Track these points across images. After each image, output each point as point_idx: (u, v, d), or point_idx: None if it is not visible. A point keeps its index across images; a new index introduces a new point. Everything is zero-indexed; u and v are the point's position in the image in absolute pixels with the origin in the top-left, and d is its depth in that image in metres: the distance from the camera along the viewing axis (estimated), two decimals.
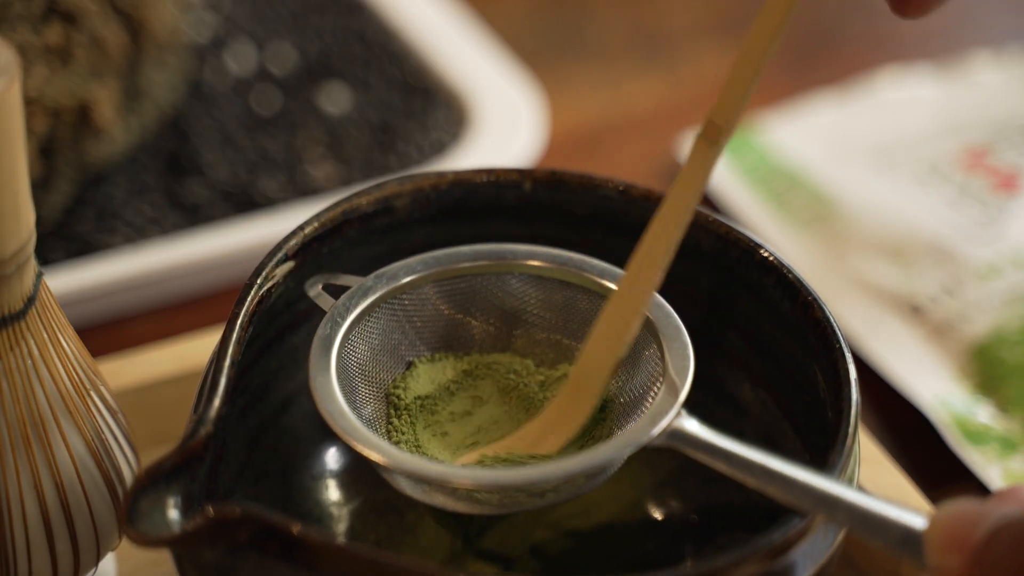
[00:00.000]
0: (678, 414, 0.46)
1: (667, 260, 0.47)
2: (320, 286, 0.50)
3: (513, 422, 0.50)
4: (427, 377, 0.51)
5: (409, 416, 0.50)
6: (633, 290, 0.48)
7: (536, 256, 0.51)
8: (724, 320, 0.53)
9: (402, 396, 0.50)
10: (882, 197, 0.75)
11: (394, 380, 0.51)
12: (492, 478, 0.46)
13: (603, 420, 0.49)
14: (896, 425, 0.65)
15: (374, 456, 0.45)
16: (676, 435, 0.46)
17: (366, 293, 0.50)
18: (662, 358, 0.48)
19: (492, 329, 0.52)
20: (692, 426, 0.46)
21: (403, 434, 0.49)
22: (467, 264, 0.51)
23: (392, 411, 0.50)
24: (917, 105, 0.82)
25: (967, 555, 0.39)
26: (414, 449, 0.49)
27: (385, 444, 0.46)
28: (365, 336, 0.50)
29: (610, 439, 0.47)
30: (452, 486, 0.46)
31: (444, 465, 0.47)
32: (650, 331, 0.49)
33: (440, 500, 0.47)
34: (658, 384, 0.47)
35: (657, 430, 0.45)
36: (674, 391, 0.46)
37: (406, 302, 0.51)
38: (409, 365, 0.51)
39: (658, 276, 0.48)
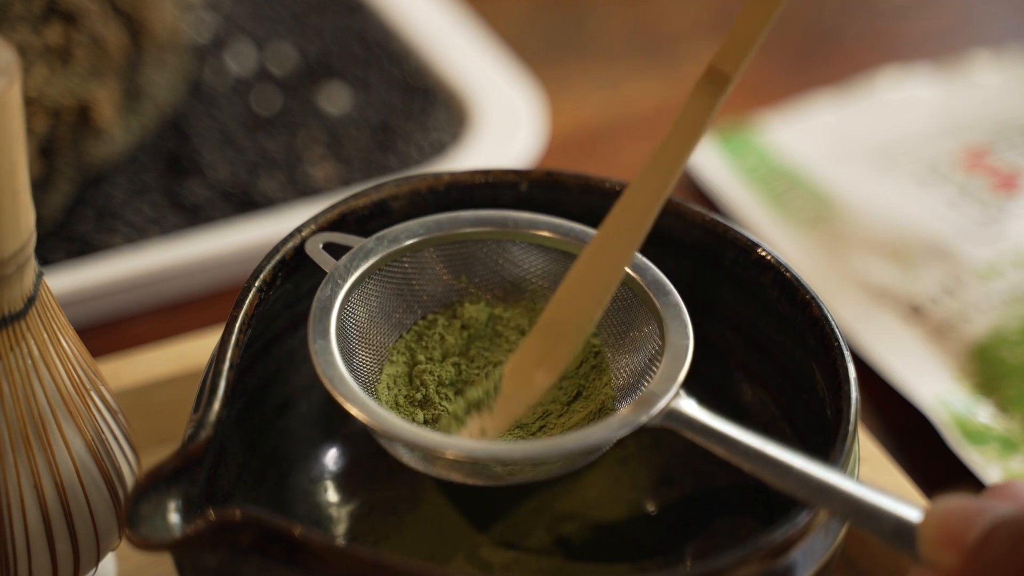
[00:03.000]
0: (676, 394, 0.46)
1: (659, 205, 0.46)
2: (320, 245, 0.50)
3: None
4: (427, 341, 0.51)
5: (409, 382, 0.50)
6: (618, 236, 0.47)
7: (538, 225, 0.51)
8: (723, 320, 0.53)
9: (401, 361, 0.50)
10: (882, 197, 0.75)
11: (393, 344, 0.50)
12: (490, 451, 0.45)
13: (594, 365, 0.49)
14: (896, 425, 0.65)
15: (373, 423, 0.45)
16: (674, 416, 0.45)
17: (367, 255, 0.50)
18: (662, 336, 0.48)
19: (491, 296, 0.52)
20: (690, 407, 0.46)
21: (405, 399, 0.49)
22: (469, 229, 0.51)
23: (390, 376, 0.50)
24: (917, 105, 0.82)
25: (962, 554, 0.39)
26: (418, 414, 0.49)
27: (383, 411, 0.46)
28: (365, 299, 0.50)
29: (608, 418, 0.47)
30: (448, 457, 0.45)
31: (439, 435, 0.46)
32: (650, 309, 0.49)
33: (435, 469, 0.47)
34: (657, 363, 0.47)
35: (655, 410, 0.45)
36: (673, 371, 0.46)
37: (406, 265, 0.51)
38: (408, 329, 0.51)
39: (647, 223, 0.47)
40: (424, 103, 0.79)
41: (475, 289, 0.52)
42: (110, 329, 0.68)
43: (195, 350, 0.60)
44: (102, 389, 0.49)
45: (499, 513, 0.53)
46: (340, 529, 0.53)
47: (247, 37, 0.84)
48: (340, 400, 0.45)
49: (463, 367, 0.51)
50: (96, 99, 0.70)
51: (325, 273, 0.49)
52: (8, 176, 0.42)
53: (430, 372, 0.50)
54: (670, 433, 0.46)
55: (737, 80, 0.45)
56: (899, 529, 0.41)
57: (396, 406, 0.49)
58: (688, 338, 0.47)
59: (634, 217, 0.47)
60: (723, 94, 0.45)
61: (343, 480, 0.54)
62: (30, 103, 0.67)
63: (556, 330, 0.48)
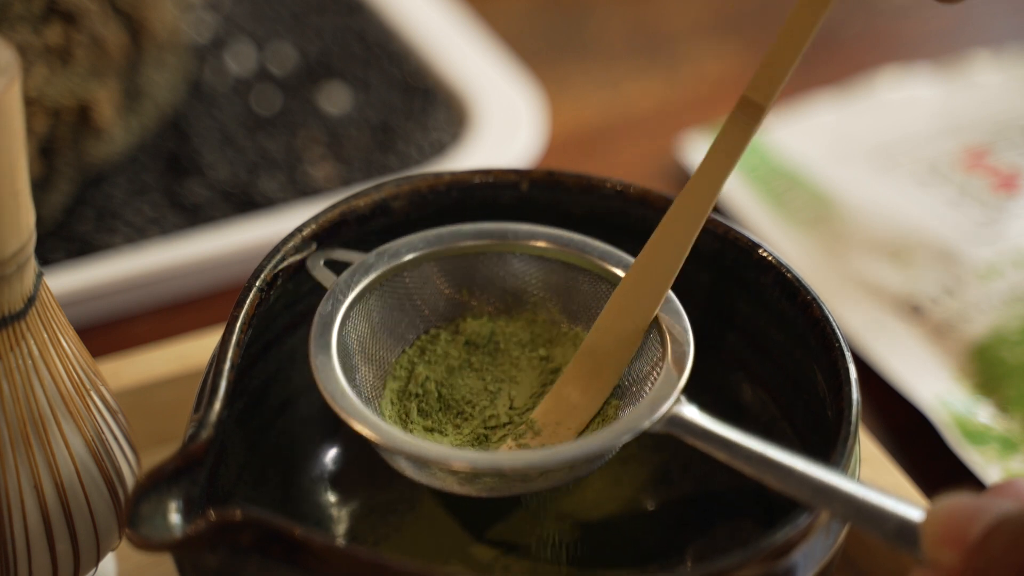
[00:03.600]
0: (677, 400, 0.46)
1: (695, 232, 0.47)
2: (322, 262, 0.50)
3: (517, 398, 0.50)
4: (429, 356, 0.51)
5: (412, 397, 0.50)
6: (657, 261, 0.48)
7: (538, 236, 0.51)
8: (723, 320, 0.53)
9: (404, 376, 0.50)
10: (882, 197, 0.75)
11: (396, 359, 0.50)
12: (491, 462, 0.45)
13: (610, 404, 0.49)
14: (896, 425, 0.65)
15: (375, 437, 0.45)
16: (675, 422, 0.46)
17: (368, 270, 0.50)
18: (662, 343, 0.48)
19: (493, 309, 0.52)
20: (691, 413, 0.46)
21: (408, 414, 0.49)
22: (469, 243, 0.51)
23: (394, 391, 0.50)
24: (917, 105, 0.82)
25: (963, 551, 0.39)
26: (421, 431, 0.49)
27: (385, 425, 0.46)
28: (366, 314, 0.50)
29: (609, 425, 0.47)
30: (451, 469, 0.45)
31: (443, 447, 0.47)
32: None
33: (440, 482, 0.47)
34: (658, 370, 0.47)
35: (656, 416, 0.45)
36: (674, 377, 0.46)
37: (407, 280, 0.51)
38: (411, 343, 0.51)
39: (685, 249, 0.47)
40: (424, 103, 0.79)
41: (477, 302, 0.52)
42: (110, 329, 0.68)
43: (195, 350, 0.60)
44: (102, 389, 0.49)
45: (499, 513, 0.53)
46: (340, 529, 0.53)
47: (247, 37, 0.84)
48: (342, 415, 0.46)
49: (466, 381, 0.51)
50: (96, 99, 0.70)
51: None
52: (8, 176, 0.42)
53: (432, 382, 0.50)
54: (671, 435, 0.46)
55: (770, 109, 0.45)
56: (901, 529, 0.41)
57: (400, 420, 0.49)
58: (688, 344, 0.47)
59: (672, 245, 0.48)
60: (757, 124, 0.46)
61: (343, 480, 0.54)
62: (30, 103, 0.67)
63: (599, 356, 0.49)
